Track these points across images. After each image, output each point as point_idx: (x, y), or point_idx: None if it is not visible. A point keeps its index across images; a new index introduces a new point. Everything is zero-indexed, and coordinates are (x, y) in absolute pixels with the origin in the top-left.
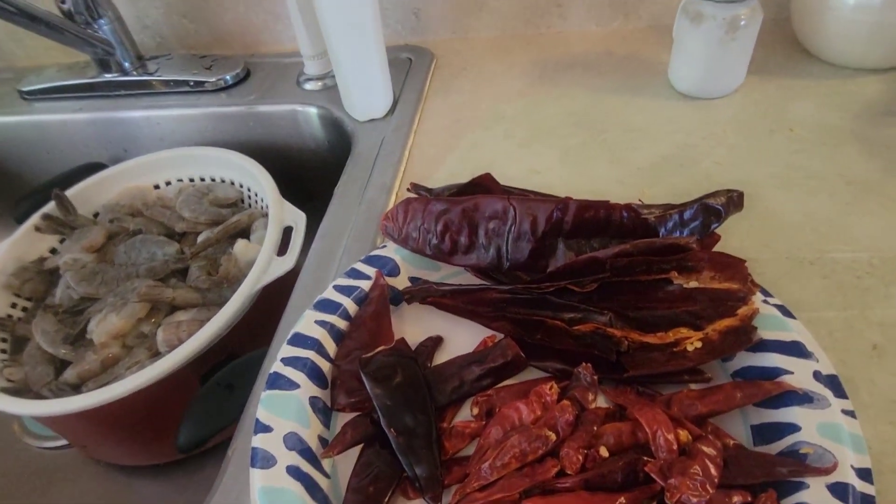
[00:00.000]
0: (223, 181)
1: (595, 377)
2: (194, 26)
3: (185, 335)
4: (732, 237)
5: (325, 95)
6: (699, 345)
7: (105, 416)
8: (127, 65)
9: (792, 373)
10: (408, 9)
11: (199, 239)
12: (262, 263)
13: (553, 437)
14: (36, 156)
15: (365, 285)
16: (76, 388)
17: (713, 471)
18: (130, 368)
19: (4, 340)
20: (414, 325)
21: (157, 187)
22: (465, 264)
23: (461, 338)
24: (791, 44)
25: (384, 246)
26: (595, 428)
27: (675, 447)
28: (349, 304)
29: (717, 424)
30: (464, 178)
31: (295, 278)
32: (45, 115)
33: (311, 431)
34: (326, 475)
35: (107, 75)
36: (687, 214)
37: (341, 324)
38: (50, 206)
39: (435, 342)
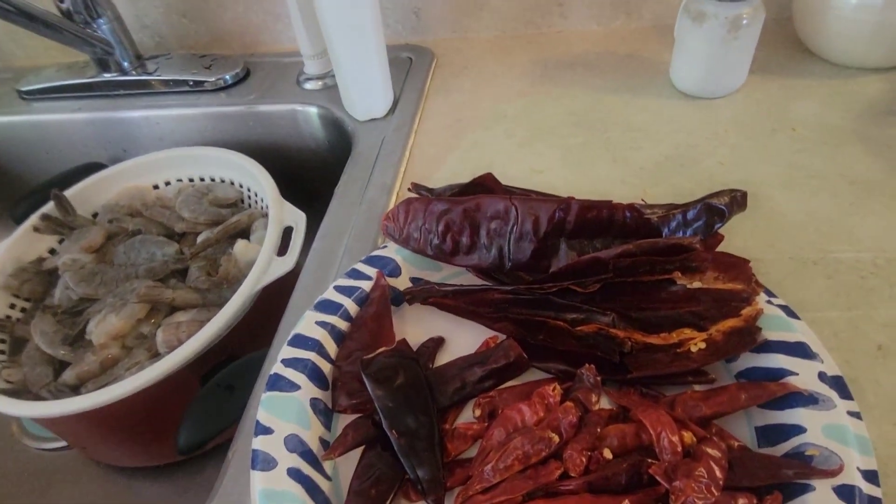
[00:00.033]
0: (223, 181)
1: (598, 378)
2: (194, 26)
3: (185, 336)
4: (736, 237)
5: (325, 95)
6: (703, 346)
7: (105, 417)
8: (126, 64)
9: (797, 374)
10: (408, 8)
11: (199, 239)
12: (262, 264)
13: (556, 438)
14: (34, 156)
15: (366, 286)
16: (75, 390)
17: (718, 473)
18: (130, 369)
19: (3, 341)
20: (415, 326)
21: (156, 187)
22: (467, 265)
23: (463, 339)
24: (793, 43)
25: (385, 246)
26: (599, 430)
27: (679, 449)
28: (350, 305)
29: (722, 426)
30: (465, 178)
31: (295, 279)
32: (44, 115)
33: (311, 433)
34: (328, 477)
35: (106, 75)
36: (690, 214)
37: (342, 325)
38: (49, 207)
39: (436, 343)
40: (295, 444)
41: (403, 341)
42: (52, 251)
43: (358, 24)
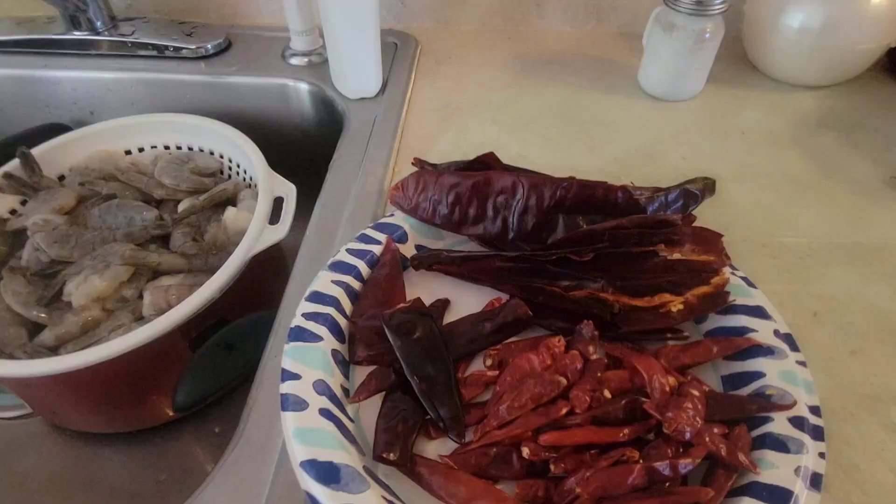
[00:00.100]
0: (201, 150)
1: (596, 332)
2: None
3: (175, 300)
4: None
5: (310, 71)
6: (682, 307)
7: (86, 379)
8: (99, 24)
9: (756, 331)
10: None
11: (183, 206)
12: (254, 231)
13: (564, 381)
14: None
15: (376, 250)
16: (54, 351)
17: (700, 407)
18: (115, 331)
19: None
20: (421, 290)
21: (128, 153)
22: (473, 234)
23: (465, 302)
24: (740, 59)
25: (392, 215)
26: (599, 374)
27: (667, 389)
28: (362, 267)
29: (695, 375)
30: (456, 159)
31: (281, 249)
32: (3, 70)
33: (335, 380)
34: (351, 420)
35: (76, 33)
36: (671, 197)
37: (356, 284)
38: (12, 165)
39: (444, 304)
40: (323, 388)
41: (418, 300)
42: (14, 212)
43: (359, 3)
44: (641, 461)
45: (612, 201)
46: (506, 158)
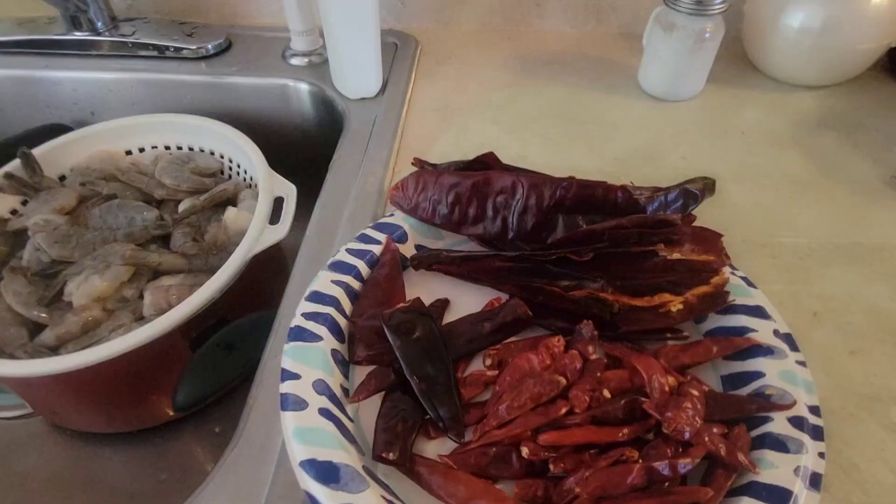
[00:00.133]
0: (202, 150)
1: (595, 332)
2: None
3: (176, 300)
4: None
5: (311, 72)
6: (681, 307)
7: (87, 379)
8: (100, 24)
9: (756, 331)
10: None
11: (184, 206)
12: (255, 231)
13: (563, 381)
14: None
15: (376, 249)
16: (54, 351)
17: (700, 406)
18: (115, 331)
19: None
20: (420, 290)
21: (129, 153)
22: (472, 234)
23: (464, 302)
24: (741, 59)
25: (391, 214)
26: (598, 374)
27: (666, 389)
28: (362, 267)
29: (694, 375)
30: (456, 159)
31: (281, 249)
32: (3, 70)
33: (334, 380)
34: (351, 420)
35: (77, 34)
36: (671, 196)
37: (355, 284)
38: (13, 165)
39: (443, 304)
40: (322, 388)
41: (418, 299)
42: (14, 212)
43: (360, 4)
44: (641, 461)
45: (611, 201)
46: (506, 158)
